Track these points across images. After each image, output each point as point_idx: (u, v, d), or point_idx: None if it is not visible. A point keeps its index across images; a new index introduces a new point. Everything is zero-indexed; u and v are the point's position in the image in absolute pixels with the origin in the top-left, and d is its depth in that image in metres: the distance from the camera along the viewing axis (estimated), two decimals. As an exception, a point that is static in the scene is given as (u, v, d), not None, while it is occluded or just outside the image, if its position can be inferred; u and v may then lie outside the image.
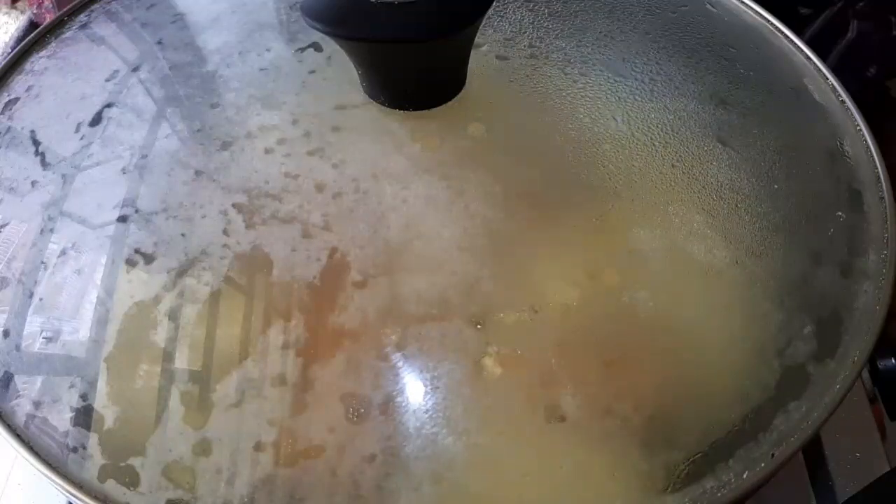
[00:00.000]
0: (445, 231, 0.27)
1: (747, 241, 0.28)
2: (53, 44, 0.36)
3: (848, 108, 0.33)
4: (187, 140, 0.30)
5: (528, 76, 0.32)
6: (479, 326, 0.26)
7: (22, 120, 0.33)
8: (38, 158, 0.31)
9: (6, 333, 0.27)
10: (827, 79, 0.34)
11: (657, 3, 0.35)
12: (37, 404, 0.26)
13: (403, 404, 0.25)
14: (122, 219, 0.28)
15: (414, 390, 0.25)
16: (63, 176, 0.30)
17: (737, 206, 0.29)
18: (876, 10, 0.52)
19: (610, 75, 0.32)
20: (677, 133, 0.30)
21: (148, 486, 0.24)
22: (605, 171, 0.29)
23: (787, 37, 0.36)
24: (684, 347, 0.26)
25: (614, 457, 0.24)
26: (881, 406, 0.39)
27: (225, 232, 0.28)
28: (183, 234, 0.28)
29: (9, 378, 0.26)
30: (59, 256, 0.28)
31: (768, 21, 0.36)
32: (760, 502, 0.26)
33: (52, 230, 0.29)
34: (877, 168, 0.31)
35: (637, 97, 0.31)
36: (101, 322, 0.27)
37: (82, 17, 0.37)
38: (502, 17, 0.34)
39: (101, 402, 0.25)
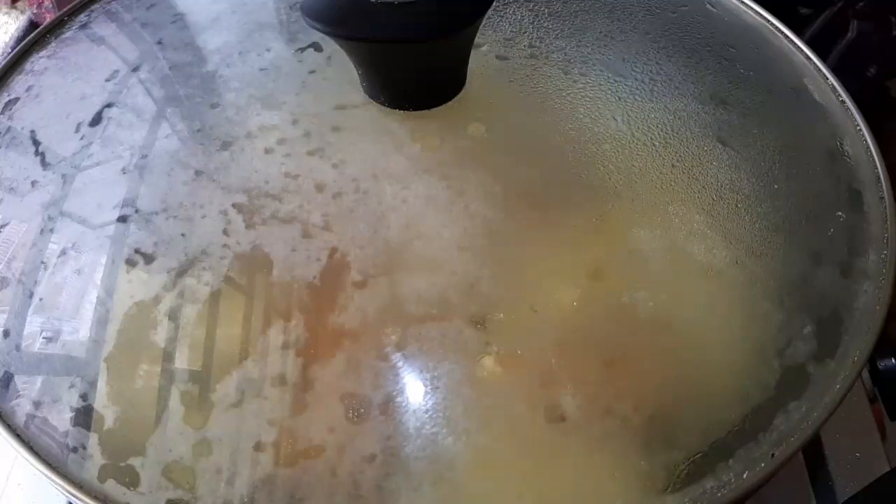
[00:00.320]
0: (445, 231, 0.27)
1: (747, 241, 0.28)
2: (53, 44, 0.36)
3: (848, 108, 0.33)
4: (187, 140, 0.30)
5: (528, 76, 0.32)
6: (479, 326, 0.26)
7: (22, 120, 0.33)
8: (38, 158, 0.31)
9: (6, 333, 0.27)
10: (827, 79, 0.34)
11: (657, 3, 0.35)
12: (37, 404, 0.26)
13: (403, 404, 0.25)
14: (122, 219, 0.28)
15: (414, 390, 0.25)
16: (63, 176, 0.30)
17: (737, 206, 0.29)
18: (876, 10, 0.52)
19: (610, 75, 0.32)
20: (677, 133, 0.30)
21: (148, 486, 0.24)
22: (605, 171, 0.29)
23: (787, 37, 0.36)
24: (684, 347, 0.26)
25: (614, 457, 0.24)
26: (881, 406, 0.39)
27: (225, 232, 0.28)
28: (183, 234, 0.28)
29: (9, 378, 0.26)
30: (59, 256, 0.28)
31: (768, 21, 0.36)
32: (760, 502, 0.26)
33: (52, 230, 0.29)
34: (877, 168, 0.31)
35: (637, 97, 0.31)
36: (101, 322, 0.27)
37: (82, 17, 0.37)
38: (502, 17, 0.34)
39: (101, 402, 0.25)
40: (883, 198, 0.30)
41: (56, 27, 0.36)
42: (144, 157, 0.30)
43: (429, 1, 0.27)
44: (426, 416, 0.25)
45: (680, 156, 0.30)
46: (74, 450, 0.25)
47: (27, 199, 0.30)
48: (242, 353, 0.26)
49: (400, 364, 0.25)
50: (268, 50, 0.33)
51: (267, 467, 0.24)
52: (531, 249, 0.28)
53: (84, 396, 0.26)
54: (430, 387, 0.25)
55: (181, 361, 0.26)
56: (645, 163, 0.30)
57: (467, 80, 0.31)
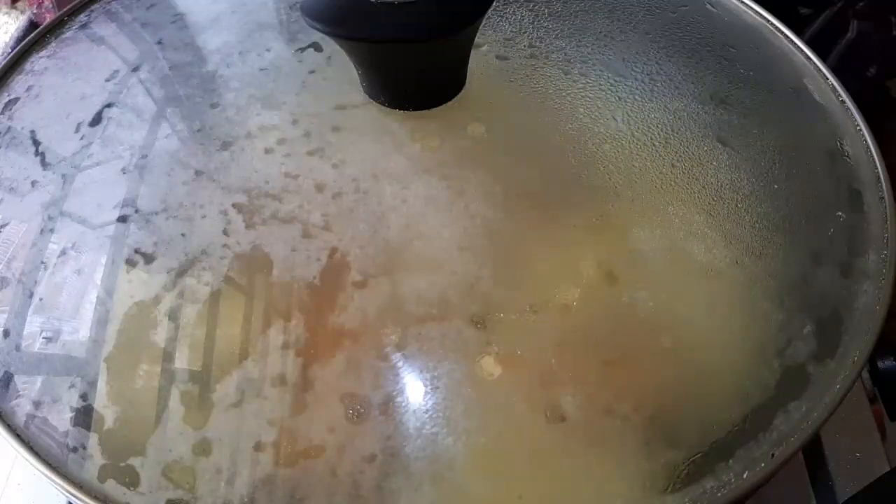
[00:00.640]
0: (445, 231, 0.27)
1: (747, 241, 0.28)
2: (53, 44, 0.36)
3: (848, 108, 0.33)
4: (187, 140, 0.30)
5: (528, 76, 0.32)
6: (479, 326, 0.26)
7: (22, 120, 0.33)
8: (38, 158, 0.31)
9: (6, 333, 0.27)
10: (827, 79, 0.34)
11: (657, 3, 0.35)
12: (37, 404, 0.26)
13: (403, 404, 0.25)
14: (122, 219, 0.28)
15: (414, 390, 0.25)
16: (63, 176, 0.30)
17: (737, 206, 0.29)
18: (876, 10, 0.52)
19: (610, 75, 0.32)
20: (677, 133, 0.30)
21: (148, 486, 0.24)
22: (605, 171, 0.29)
23: (787, 37, 0.36)
24: (684, 347, 0.26)
25: (614, 457, 0.24)
26: (881, 406, 0.39)
27: (225, 232, 0.28)
28: (183, 234, 0.28)
29: (9, 378, 0.26)
30: (59, 256, 0.28)
31: (768, 21, 0.36)
32: (760, 502, 0.26)
33: (52, 230, 0.29)
34: (877, 168, 0.31)
35: (637, 97, 0.31)
36: (101, 322, 0.27)
37: (82, 17, 0.37)
38: (502, 17, 0.34)
39: (101, 402, 0.25)
40: (883, 198, 0.30)
41: (56, 27, 0.36)
42: (144, 157, 0.30)
43: (429, 1, 0.27)
44: (426, 416, 0.25)
45: (680, 156, 0.30)
46: (74, 450, 0.25)
47: (27, 199, 0.30)
48: (242, 353, 0.26)
49: (400, 364, 0.25)
50: (268, 50, 0.33)
51: (267, 467, 0.24)
52: (531, 249, 0.28)
53: (84, 396, 0.26)
54: (430, 387, 0.25)
55: (181, 361, 0.26)
56: (645, 163, 0.30)
57: (467, 80, 0.31)
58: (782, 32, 0.36)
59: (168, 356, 0.26)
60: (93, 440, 0.25)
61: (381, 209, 0.28)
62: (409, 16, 0.27)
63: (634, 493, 0.24)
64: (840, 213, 0.30)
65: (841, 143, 0.32)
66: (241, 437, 0.25)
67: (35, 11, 0.58)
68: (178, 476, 0.24)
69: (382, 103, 0.30)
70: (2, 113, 0.33)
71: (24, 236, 0.29)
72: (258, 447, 0.24)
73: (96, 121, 0.31)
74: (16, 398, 0.26)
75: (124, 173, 0.30)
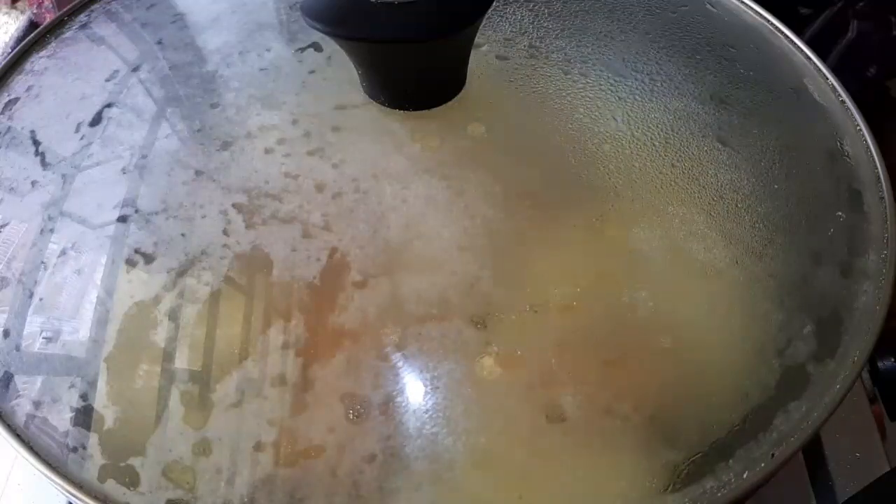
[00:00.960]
0: (445, 231, 0.27)
1: (747, 241, 0.28)
2: (53, 44, 0.36)
3: (848, 108, 0.33)
4: (187, 140, 0.30)
5: (528, 76, 0.32)
6: (479, 326, 0.26)
7: (22, 120, 0.33)
8: (38, 158, 0.31)
9: (6, 333, 0.27)
10: (827, 79, 0.34)
11: (657, 3, 0.35)
12: (37, 404, 0.26)
13: (403, 404, 0.25)
14: (122, 219, 0.28)
15: (414, 390, 0.25)
16: (63, 176, 0.30)
17: (737, 206, 0.29)
18: (876, 10, 0.52)
19: (610, 75, 0.32)
20: (677, 133, 0.30)
21: (148, 486, 0.24)
22: (605, 171, 0.29)
23: (787, 37, 0.36)
24: (684, 347, 0.26)
25: (614, 457, 0.24)
26: (881, 406, 0.39)
27: (225, 232, 0.28)
28: (183, 234, 0.28)
29: (9, 378, 0.26)
30: (59, 256, 0.28)
31: (768, 21, 0.36)
32: (760, 502, 0.26)
33: (52, 230, 0.29)
34: (877, 168, 0.31)
35: (637, 97, 0.31)
36: (101, 322, 0.27)
37: (82, 17, 0.37)
38: (502, 17, 0.34)
39: (101, 402, 0.25)
40: (883, 198, 0.30)
41: (56, 27, 0.36)
42: (144, 157, 0.30)
43: (429, 1, 0.27)
44: (426, 416, 0.25)
45: (680, 156, 0.30)
46: (74, 450, 0.25)
47: (27, 199, 0.30)
48: (242, 353, 0.26)
49: (400, 364, 0.25)
50: (268, 50, 0.33)
51: (267, 467, 0.24)
52: (531, 249, 0.28)
53: (84, 396, 0.26)
54: (430, 387, 0.25)
55: (181, 361, 0.26)
56: (645, 163, 0.30)
57: (467, 80, 0.31)
58: (782, 32, 0.36)
59: (168, 356, 0.26)
60: (93, 440, 0.25)
61: (381, 209, 0.28)
62: (409, 16, 0.27)
63: (634, 493, 0.24)
64: (840, 213, 0.30)
65: (841, 143, 0.32)
66: (241, 437, 0.25)
67: (35, 11, 0.58)
68: (178, 476, 0.24)
69: (382, 103, 0.30)
70: (2, 113, 0.33)
71: (24, 236, 0.29)
72: (258, 447, 0.24)
73: (96, 121, 0.31)
74: (16, 398, 0.26)
75: (124, 173, 0.30)
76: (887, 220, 0.30)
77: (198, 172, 0.29)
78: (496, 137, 0.30)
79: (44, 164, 0.31)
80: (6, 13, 0.59)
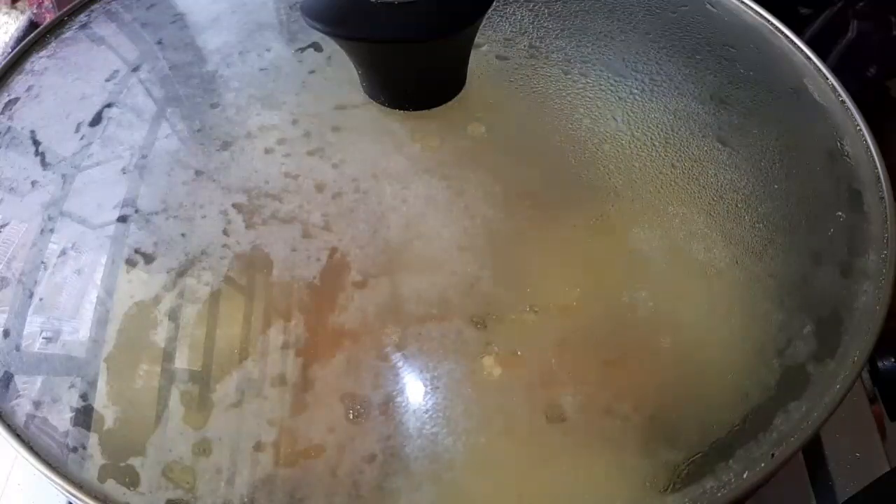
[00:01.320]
0: (445, 231, 0.27)
1: (747, 241, 0.28)
2: (53, 44, 0.36)
3: (848, 108, 0.33)
4: (187, 140, 0.30)
5: (528, 76, 0.32)
6: (479, 326, 0.26)
7: (22, 120, 0.33)
8: (38, 158, 0.31)
9: (6, 333, 0.27)
10: (827, 79, 0.34)
11: (657, 3, 0.35)
12: (37, 404, 0.26)
13: (403, 404, 0.25)
14: (122, 219, 0.28)
15: (414, 390, 0.25)
16: (63, 176, 0.30)
17: (737, 206, 0.29)
18: (876, 10, 0.52)
19: (610, 75, 0.32)
20: (677, 133, 0.30)
21: (148, 486, 0.24)
22: (605, 171, 0.29)
23: (787, 37, 0.36)
24: (684, 347, 0.26)
25: (614, 457, 0.24)
26: (881, 406, 0.39)
27: (225, 232, 0.28)
28: (183, 234, 0.28)
29: (9, 378, 0.26)
30: (59, 256, 0.28)
31: (768, 21, 0.36)
32: (760, 502, 0.26)
33: (52, 230, 0.29)
34: (877, 168, 0.31)
35: (637, 97, 0.31)
36: (101, 322, 0.27)
37: (82, 17, 0.37)
38: (502, 17, 0.34)
39: (101, 402, 0.25)
40: (883, 198, 0.30)
41: (56, 27, 0.36)
42: (144, 157, 0.30)
43: (429, 1, 0.27)
44: (426, 416, 0.25)
45: (680, 156, 0.30)
46: (74, 450, 0.25)
47: (27, 199, 0.30)
48: (242, 353, 0.26)
49: (400, 364, 0.25)
50: (268, 50, 0.33)
51: (267, 467, 0.24)
52: (531, 249, 0.28)
53: (84, 396, 0.26)
54: (430, 387, 0.25)
55: (181, 361, 0.26)
56: (645, 163, 0.30)
57: (467, 80, 0.31)
58: (782, 32, 0.36)
59: (168, 356, 0.26)
60: (93, 440, 0.25)
61: (381, 209, 0.28)
62: (409, 16, 0.27)
63: (634, 493, 0.24)
64: (840, 213, 0.30)
65: (841, 143, 0.32)
66: (241, 437, 0.25)
67: (35, 11, 0.58)
68: (178, 476, 0.24)
69: (382, 103, 0.30)
70: (2, 113, 0.33)
71: (24, 236, 0.29)
72: (258, 447, 0.24)
73: (96, 121, 0.31)
74: (16, 398, 0.26)
75: (124, 173, 0.30)
76: (887, 220, 0.30)
77: (198, 172, 0.29)
78: (496, 137, 0.30)
79: (44, 164, 0.31)
80: (6, 13, 0.59)
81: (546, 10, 0.34)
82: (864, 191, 0.31)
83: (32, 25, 0.58)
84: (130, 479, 0.24)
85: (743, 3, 0.37)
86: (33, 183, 0.30)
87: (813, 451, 0.38)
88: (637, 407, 0.25)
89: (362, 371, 0.25)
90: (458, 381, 0.25)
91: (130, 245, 0.28)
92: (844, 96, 0.33)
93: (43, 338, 0.27)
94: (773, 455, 0.25)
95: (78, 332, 0.27)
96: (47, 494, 0.36)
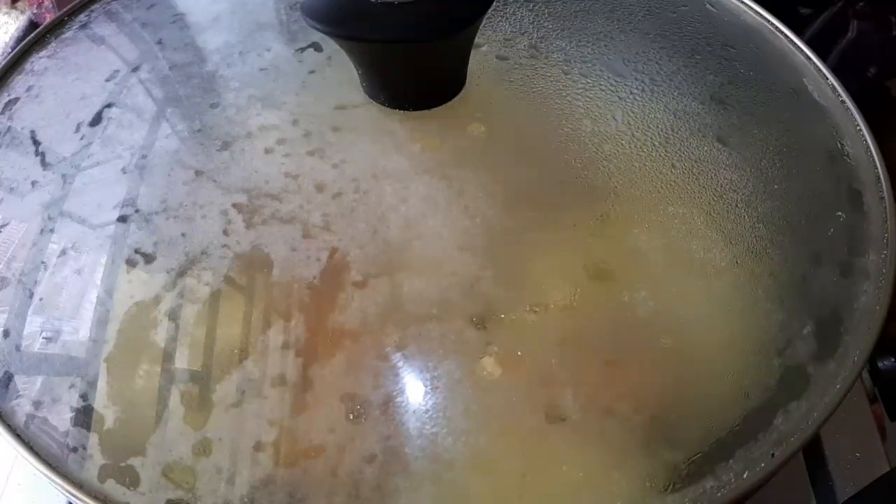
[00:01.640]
0: (445, 231, 0.27)
1: (747, 241, 0.28)
2: (53, 44, 0.36)
3: (848, 108, 0.33)
4: (187, 140, 0.30)
5: (528, 76, 0.32)
6: (479, 326, 0.26)
7: (22, 120, 0.33)
8: (38, 158, 0.31)
9: (6, 333, 0.27)
10: (827, 79, 0.34)
11: (657, 3, 0.35)
12: (37, 404, 0.26)
13: (403, 404, 0.25)
14: (122, 219, 0.28)
15: (414, 390, 0.25)
16: (63, 176, 0.30)
17: (737, 206, 0.29)
18: (876, 10, 0.52)
19: (610, 75, 0.32)
20: (677, 133, 0.30)
21: (148, 486, 0.24)
22: (605, 171, 0.29)
23: (787, 37, 0.36)
24: (684, 347, 0.26)
25: (614, 457, 0.24)
26: (881, 406, 0.39)
27: (225, 232, 0.28)
28: (183, 234, 0.28)
29: (9, 378, 0.26)
30: (59, 256, 0.28)
31: (768, 21, 0.36)
32: (760, 502, 0.26)
33: (52, 230, 0.29)
34: (877, 168, 0.31)
35: (637, 97, 0.31)
36: (101, 322, 0.27)
37: (82, 17, 0.37)
38: (502, 17, 0.34)
39: (101, 402, 0.25)
40: (883, 198, 0.30)
41: (56, 27, 0.36)
42: (144, 157, 0.30)
43: (429, 1, 0.27)
44: (426, 416, 0.25)
45: (680, 156, 0.30)
46: (74, 450, 0.25)
47: (27, 199, 0.30)
48: (242, 353, 0.26)
49: (400, 364, 0.25)
50: (268, 50, 0.33)
51: (267, 467, 0.24)
52: (531, 249, 0.28)
53: (84, 396, 0.26)
54: (430, 387, 0.25)
55: (181, 361, 0.26)
56: (645, 163, 0.30)
57: (467, 80, 0.31)
58: (782, 32, 0.36)
59: (168, 356, 0.26)
60: (93, 440, 0.25)
61: (381, 209, 0.28)
62: (409, 16, 0.27)
63: (634, 493, 0.24)
64: (840, 213, 0.30)
65: (841, 143, 0.32)
66: (241, 437, 0.25)
67: (35, 11, 0.58)
68: (178, 476, 0.24)
69: (382, 103, 0.30)
70: (2, 113, 0.33)
71: (24, 236, 0.29)
72: (258, 447, 0.24)
73: (96, 121, 0.31)
74: (16, 398, 0.26)
75: (124, 173, 0.30)
76: (887, 220, 0.30)
77: (198, 172, 0.29)
78: (496, 137, 0.30)
79: (44, 164, 0.31)
80: (6, 13, 0.59)
81: (546, 10, 0.34)
82: (864, 191, 0.31)
83: (32, 25, 0.58)
84: (130, 479, 0.24)
85: (743, 3, 0.37)
86: (33, 183, 0.30)
87: (813, 451, 0.38)
88: (637, 407, 0.25)
89: (362, 371, 0.25)
90: (458, 381, 0.25)
91: (130, 245, 0.28)
92: (844, 96, 0.33)
93: (43, 338, 0.27)
94: (773, 455, 0.25)
95: (78, 332, 0.27)
96: (47, 494, 0.36)
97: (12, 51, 0.36)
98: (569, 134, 0.30)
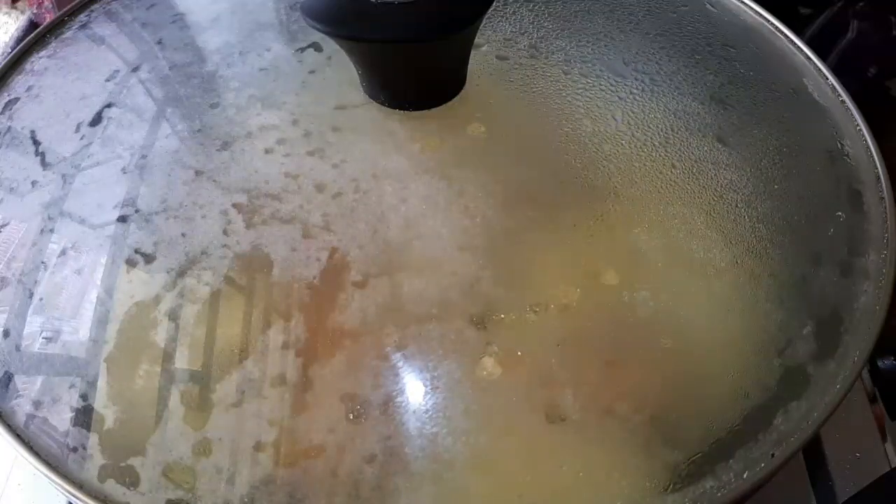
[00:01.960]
0: (445, 231, 0.27)
1: (747, 241, 0.28)
2: (53, 44, 0.36)
3: (848, 108, 0.33)
4: (187, 140, 0.30)
5: (528, 76, 0.32)
6: (479, 326, 0.26)
7: (22, 120, 0.33)
8: (38, 158, 0.31)
9: (6, 333, 0.27)
10: (827, 79, 0.34)
11: (657, 3, 0.35)
12: (37, 404, 0.26)
13: (403, 404, 0.25)
14: (122, 219, 0.28)
15: (414, 390, 0.25)
16: (63, 176, 0.30)
17: (737, 206, 0.29)
18: (876, 10, 0.52)
19: (610, 75, 0.32)
20: (677, 133, 0.30)
21: (148, 486, 0.24)
22: (605, 171, 0.29)
23: (787, 37, 0.36)
24: (684, 347, 0.26)
25: (614, 457, 0.24)
26: (881, 406, 0.39)
27: (225, 232, 0.28)
28: (183, 234, 0.28)
29: (9, 378, 0.26)
30: (59, 256, 0.28)
31: (768, 21, 0.36)
32: (760, 502, 0.26)
33: (52, 230, 0.29)
34: (877, 168, 0.31)
35: (637, 97, 0.31)
36: (101, 322, 0.27)
37: (82, 17, 0.37)
38: (502, 17, 0.34)
39: (101, 402, 0.25)
40: (883, 198, 0.30)
41: (56, 27, 0.36)
42: (144, 157, 0.30)
43: (429, 1, 0.27)
44: (426, 416, 0.25)
45: (680, 156, 0.30)
46: (74, 450, 0.25)
47: (27, 199, 0.30)
48: (242, 353, 0.26)
49: (400, 364, 0.25)
50: (268, 50, 0.33)
51: (267, 467, 0.24)
52: (531, 249, 0.28)
53: (84, 396, 0.26)
54: (430, 387, 0.25)
55: (181, 361, 0.26)
56: (645, 163, 0.30)
57: (467, 80, 0.31)
58: (782, 32, 0.36)
59: (168, 356, 0.26)
60: (93, 440, 0.25)
61: (381, 209, 0.28)
62: (409, 16, 0.27)
63: (634, 493, 0.24)
64: (840, 213, 0.30)
65: (841, 143, 0.32)
66: (241, 437, 0.25)
67: (35, 11, 0.58)
68: (178, 476, 0.24)
69: (382, 103, 0.30)
70: (2, 113, 0.33)
71: (24, 236, 0.29)
72: (258, 447, 0.24)
73: (96, 121, 0.31)
74: (16, 398, 0.26)
75: (124, 173, 0.30)
76: (887, 220, 0.30)
77: (198, 172, 0.29)
78: (496, 137, 0.30)
79: (44, 164, 0.31)
80: (6, 13, 0.59)
81: (546, 10, 0.34)
82: (864, 191, 0.31)
83: (32, 25, 0.58)
84: (130, 479, 0.24)
85: (743, 3, 0.37)
86: (33, 183, 0.30)
87: (813, 451, 0.38)
88: (637, 407, 0.25)
89: (362, 371, 0.25)
90: (458, 381, 0.25)
91: (130, 245, 0.28)
92: (844, 96, 0.33)
93: (43, 338, 0.27)
94: (773, 455, 0.25)
95: (78, 332, 0.27)
96: (47, 494, 0.36)
97: (12, 51, 0.36)
98: (569, 134, 0.30)
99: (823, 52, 0.35)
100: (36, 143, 0.32)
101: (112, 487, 0.24)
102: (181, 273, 0.27)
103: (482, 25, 0.29)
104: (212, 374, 0.25)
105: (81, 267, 0.28)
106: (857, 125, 0.33)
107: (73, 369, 0.26)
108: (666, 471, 0.24)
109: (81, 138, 0.31)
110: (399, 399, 0.25)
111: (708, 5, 0.36)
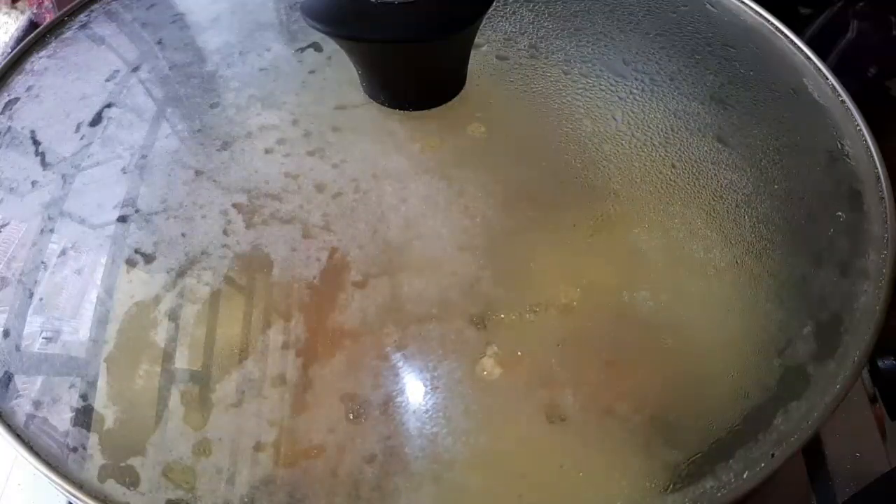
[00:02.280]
0: (445, 231, 0.27)
1: (747, 241, 0.28)
2: (53, 44, 0.36)
3: (848, 108, 0.33)
4: (187, 140, 0.30)
5: (528, 76, 0.32)
6: (479, 326, 0.26)
7: (22, 120, 0.33)
8: (38, 158, 0.31)
9: (6, 333, 0.27)
10: (827, 79, 0.34)
11: (657, 3, 0.35)
12: (37, 404, 0.26)
13: (403, 404, 0.25)
14: (122, 219, 0.28)
15: (414, 390, 0.25)
16: (63, 176, 0.30)
17: (737, 206, 0.29)
18: (876, 10, 0.52)
19: (610, 75, 0.32)
20: (677, 133, 0.30)
21: (148, 486, 0.24)
22: (605, 172, 0.29)
23: (786, 37, 0.36)
24: (684, 347, 0.26)
25: (614, 457, 0.24)
26: (881, 406, 0.39)
27: (225, 232, 0.28)
28: (183, 234, 0.28)
29: (9, 378, 0.26)
30: (59, 256, 0.28)
31: (768, 21, 0.36)
32: (760, 502, 0.26)
33: (52, 230, 0.29)
34: (877, 168, 0.31)
35: (637, 97, 0.31)
36: (101, 322, 0.27)
37: (82, 17, 0.37)
38: (502, 17, 0.34)
39: (101, 402, 0.25)
40: (883, 198, 0.30)
41: (56, 27, 0.36)
42: (144, 157, 0.30)
43: (429, 1, 0.27)
44: (426, 416, 0.25)
45: (680, 156, 0.30)
46: (74, 450, 0.25)
47: (27, 199, 0.30)
48: (242, 353, 0.26)
49: (400, 364, 0.25)
50: (268, 50, 0.33)
51: (267, 467, 0.24)
52: (531, 249, 0.28)
53: (84, 396, 0.26)
54: (430, 387, 0.25)
55: (181, 361, 0.26)
56: (645, 163, 0.30)
57: (467, 80, 0.31)
58: (782, 32, 0.36)
59: (168, 356, 0.26)
60: (93, 440, 0.25)
61: (381, 209, 0.28)
62: (409, 16, 0.27)
63: (634, 493, 0.24)
64: (840, 213, 0.30)
65: (841, 143, 0.32)
66: (241, 437, 0.25)
67: (35, 11, 0.58)
68: (178, 476, 0.24)
69: (382, 103, 0.30)
70: (2, 113, 0.33)
71: (24, 236, 0.29)
72: (258, 447, 0.24)
73: (96, 121, 0.31)
74: (16, 398, 0.26)
75: (124, 173, 0.30)
76: (887, 220, 0.30)
77: (198, 172, 0.29)
78: (496, 137, 0.30)
79: (44, 164, 0.31)
80: (6, 13, 0.59)
81: (546, 10, 0.34)
82: (864, 191, 0.31)
83: (32, 25, 0.58)
84: (130, 479, 0.24)
85: (743, 3, 0.37)
86: (33, 183, 0.30)
87: (813, 451, 0.38)
88: (637, 407, 0.25)
89: (362, 371, 0.25)
90: (458, 381, 0.25)
91: (130, 245, 0.28)
92: (844, 96, 0.33)
93: (43, 338, 0.27)
94: (773, 455, 0.25)
95: (78, 332, 0.27)
96: (47, 494, 0.36)
97: (12, 51, 0.36)
98: (569, 134, 0.30)
99: (823, 52, 0.35)
100: (36, 143, 0.32)
101: (112, 487, 0.24)
102: (181, 273, 0.27)
103: (482, 25, 0.29)
104: (212, 374, 0.25)
105: (81, 267, 0.28)
106: (857, 125, 0.33)
107: (73, 369, 0.26)
108: (666, 471, 0.24)
109: (81, 138, 0.31)
110: (399, 399, 0.25)
111: (708, 5, 0.36)
